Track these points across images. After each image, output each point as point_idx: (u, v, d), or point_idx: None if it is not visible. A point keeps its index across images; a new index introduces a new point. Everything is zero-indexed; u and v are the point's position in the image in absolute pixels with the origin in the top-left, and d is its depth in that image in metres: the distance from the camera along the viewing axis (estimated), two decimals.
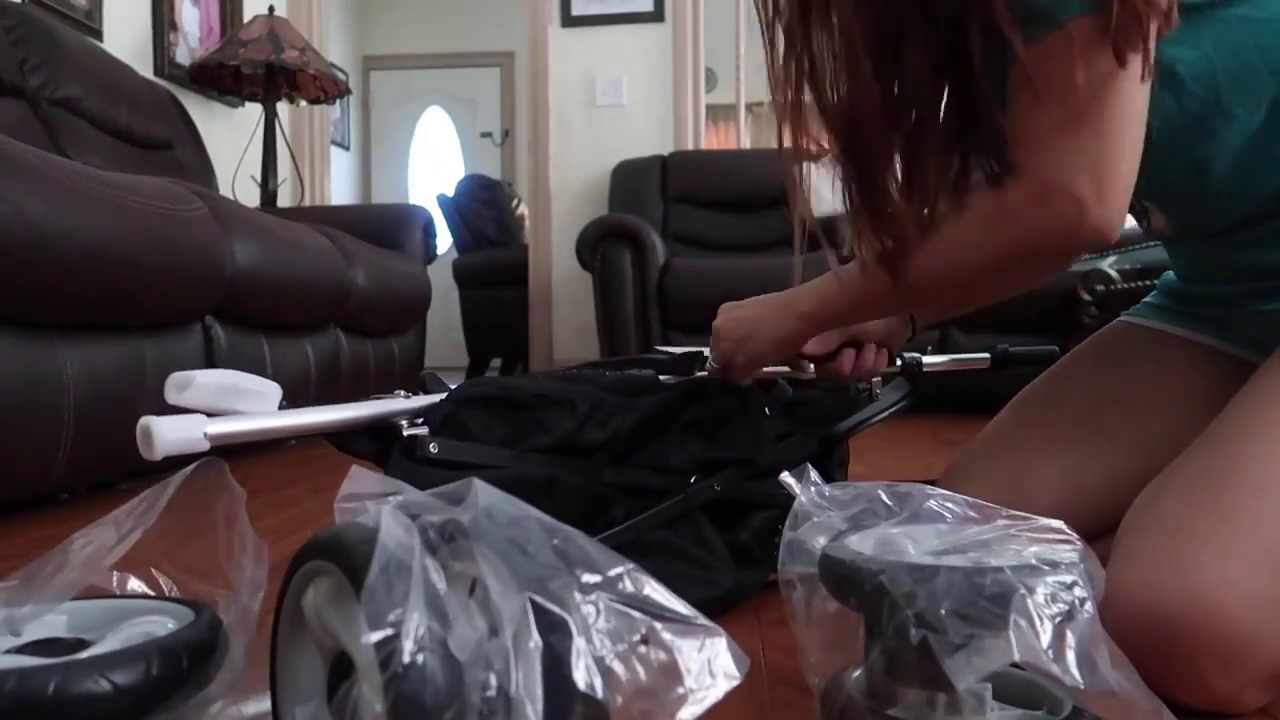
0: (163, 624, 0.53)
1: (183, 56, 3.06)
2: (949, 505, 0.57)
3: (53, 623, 0.53)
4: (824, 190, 0.79)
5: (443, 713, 0.33)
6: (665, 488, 0.88)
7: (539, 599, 0.36)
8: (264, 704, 0.48)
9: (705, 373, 0.96)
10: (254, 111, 3.26)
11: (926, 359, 1.10)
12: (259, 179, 3.11)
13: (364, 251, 2.42)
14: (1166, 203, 0.83)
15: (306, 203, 3.63)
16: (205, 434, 0.63)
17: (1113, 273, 2.48)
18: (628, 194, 3.50)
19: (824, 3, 0.72)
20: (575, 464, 0.85)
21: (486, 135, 6.11)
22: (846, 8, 0.71)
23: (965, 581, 0.47)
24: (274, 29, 3.02)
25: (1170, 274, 0.96)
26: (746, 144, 4.33)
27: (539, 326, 3.76)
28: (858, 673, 0.55)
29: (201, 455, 0.61)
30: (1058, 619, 0.46)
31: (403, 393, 0.83)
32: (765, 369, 1.01)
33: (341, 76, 3.23)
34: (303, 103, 3.34)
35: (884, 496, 0.58)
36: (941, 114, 0.74)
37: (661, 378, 0.95)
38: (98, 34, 2.68)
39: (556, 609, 0.36)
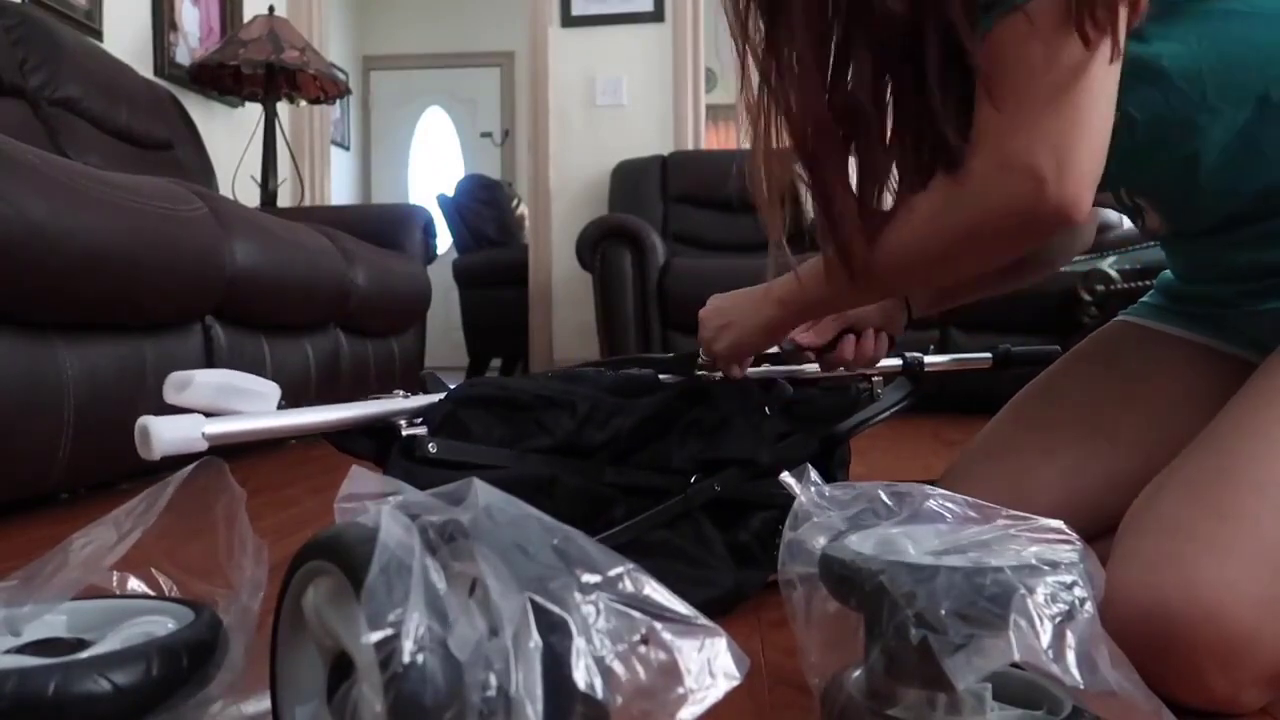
0: (163, 624, 0.53)
1: (183, 56, 3.06)
2: (949, 505, 0.57)
3: (53, 623, 0.53)
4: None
5: (443, 713, 0.33)
6: (665, 488, 0.88)
7: (539, 599, 0.36)
8: (264, 704, 0.48)
9: (702, 368, 0.97)
10: (254, 111, 3.26)
11: (928, 359, 1.10)
12: (259, 179, 3.11)
13: (364, 251, 2.42)
14: (1159, 200, 0.83)
15: (306, 203, 3.63)
16: (203, 434, 0.63)
17: (1112, 273, 2.48)
18: (628, 194, 3.50)
19: (786, 19, 0.74)
20: (575, 464, 0.85)
21: (486, 135, 6.11)
22: (797, 15, 0.73)
23: (965, 581, 0.47)
24: (274, 29, 3.02)
25: (1168, 274, 0.96)
26: (746, 144, 4.32)
27: (539, 326, 3.76)
28: (858, 673, 0.55)
29: (201, 455, 0.61)
30: (1058, 619, 0.46)
31: (401, 393, 0.83)
32: (769, 368, 1.02)
33: (341, 76, 3.23)
34: (303, 103, 3.34)
35: (884, 496, 0.58)
36: (890, 120, 0.76)
37: (661, 377, 0.95)
38: (98, 34, 2.68)
39: (556, 609, 0.36)
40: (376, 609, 0.34)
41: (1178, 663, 0.60)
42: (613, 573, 0.38)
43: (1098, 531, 0.73)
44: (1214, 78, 0.71)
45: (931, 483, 0.65)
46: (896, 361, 1.09)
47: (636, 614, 0.37)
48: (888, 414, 1.04)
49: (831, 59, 0.74)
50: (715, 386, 0.94)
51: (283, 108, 3.35)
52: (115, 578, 0.58)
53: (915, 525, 0.57)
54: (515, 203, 4.96)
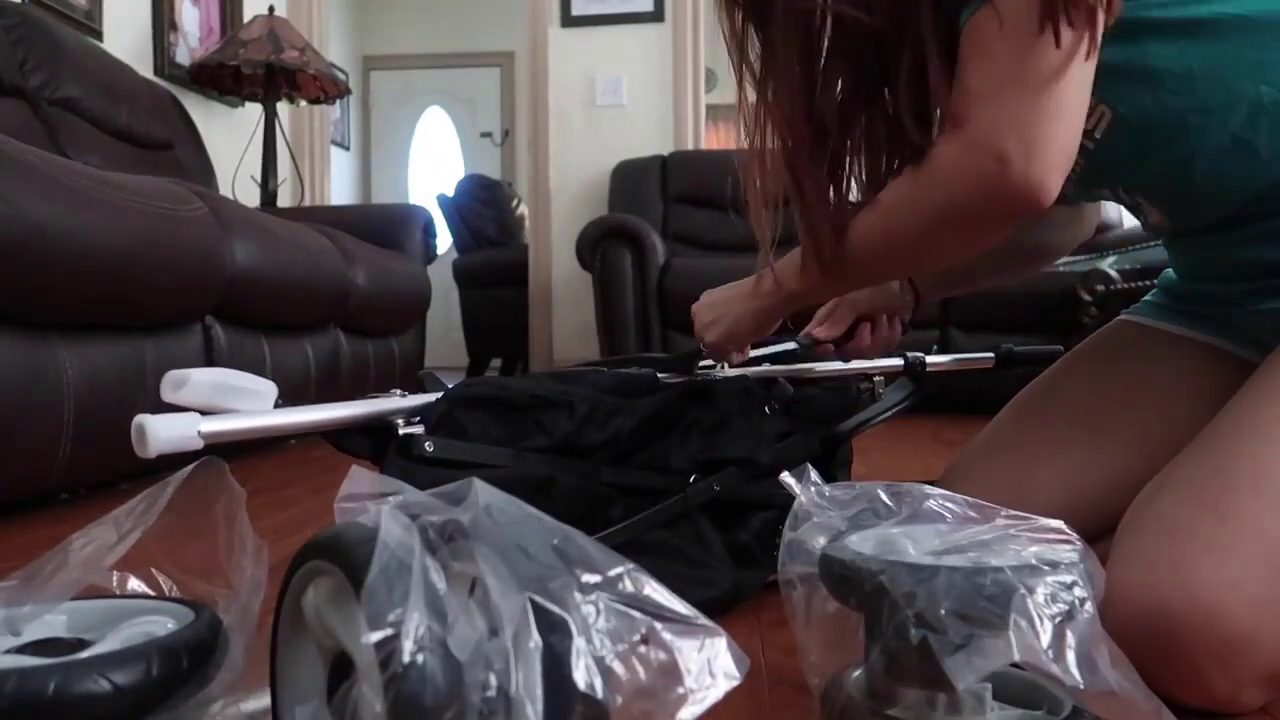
0: (163, 624, 0.53)
1: (183, 56, 3.06)
2: (949, 505, 0.57)
3: (53, 623, 0.53)
4: None
5: (443, 713, 0.33)
6: (665, 488, 0.88)
7: (539, 599, 0.36)
8: (264, 701, 0.48)
9: (702, 363, 0.99)
10: (254, 111, 3.26)
11: (930, 358, 1.10)
12: (259, 179, 3.11)
13: (364, 251, 2.42)
14: (1156, 198, 0.83)
15: (306, 203, 3.63)
16: (199, 432, 0.63)
17: (1113, 273, 2.48)
18: (628, 194, 3.50)
19: (773, 34, 0.78)
20: (573, 464, 0.85)
21: (486, 135, 6.11)
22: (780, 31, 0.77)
23: (965, 581, 0.47)
24: (274, 29, 3.02)
25: (1170, 273, 0.96)
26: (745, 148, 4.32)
27: (539, 326, 3.76)
28: (858, 673, 0.55)
29: (200, 455, 0.61)
30: (1058, 619, 0.46)
31: (399, 392, 0.83)
32: (770, 367, 1.02)
33: (341, 76, 3.22)
34: (303, 103, 3.34)
35: (884, 496, 0.58)
36: (863, 128, 0.81)
37: (661, 376, 0.95)
38: (98, 34, 2.68)
39: (556, 609, 0.36)
40: (376, 609, 0.34)
41: (1177, 663, 0.60)
42: (613, 573, 0.38)
43: (1098, 531, 0.73)
44: (1205, 79, 0.71)
45: (931, 483, 0.65)
46: (898, 361, 1.09)
47: (636, 614, 0.37)
48: (889, 414, 1.04)
49: (818, 70, 0.78)
50: (715, 386, 0.94)
51: (283, 108, 3.35)
52: (115, 578, 0.58)
53: (915, 525, 0.57)
54: (515, 203, 4.96)
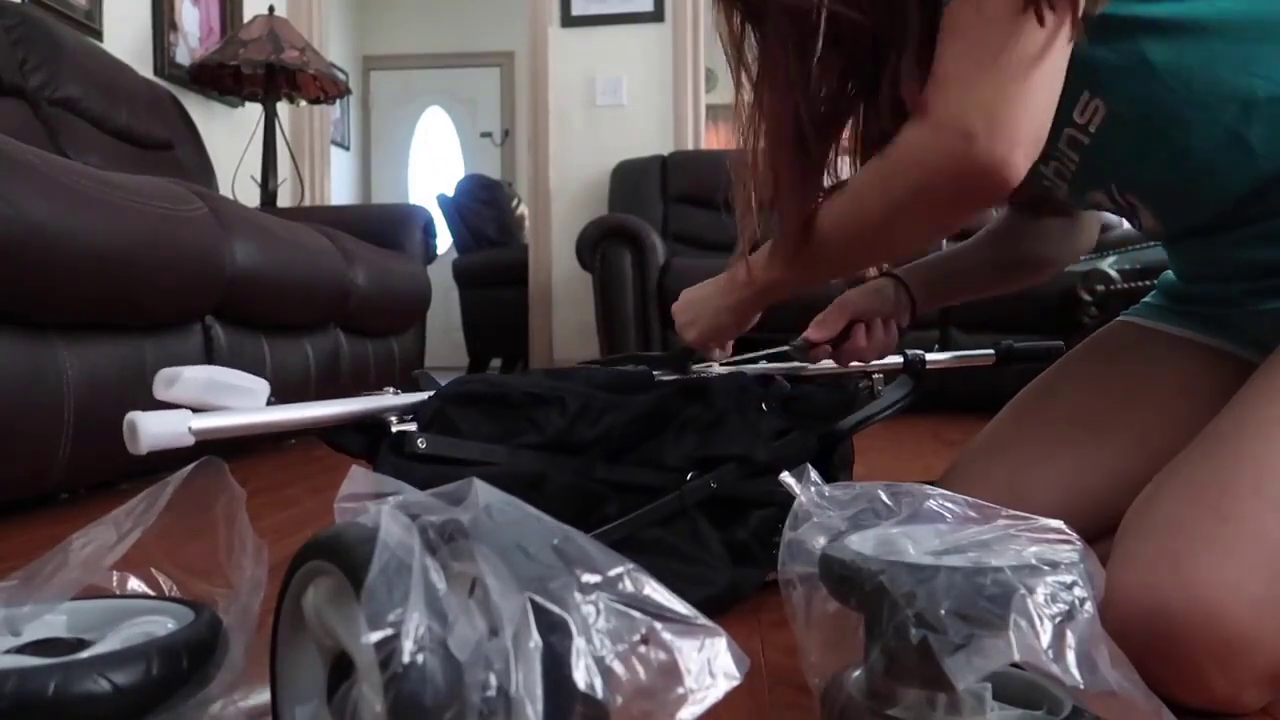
0: (163, 624, 0.53)
1: (183, 56, 3.06)
2: (949, 505, 0.57)
3: (53, 623, 0.53)
4: None
5: (443, 713, 0.33)
6: (660, 485, 0.88)
7: (539, 599, 0.36)
8: (263, 696, 0.48)
9: (694, 359, 1.00)
10: (254, 111, 3.26)
11: (931, 356, 1.10)
12: (259, 179, 3.11)
13: (364, 251, 2.41)
14: (1150, 197, 0.83)
15: (306, 203, 3.63)
16: (190, 428, 0.63)
17: (1113, 273, 2.48)
18: (628, 194, 3.50)
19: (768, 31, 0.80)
20: (568, 461, 0.85)
21: (486, 135, 6.11)
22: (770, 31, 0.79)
23: (965, 581, 0.47)
24: (274, 29, 3.02)
25: (1170, 274, 0.96)
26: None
27: (539, 326, 3.76)
28: (858, 673, 0.55)
29: (196, 454, 0.61)
30: (1058, 619, 0.46)
31: (392, 390, 0.83)
32: (768, 365, 1.02)
33: (341, 76, 3.22)
34: (303, 103, 3.34)
35: (884, 496, 0.58)
36: (858, 127, 0.83)
37: (655, 374, 0.95)
38: (98, 34, 2.68)
39: (556, 609, 0.36)
40: (376, 609, 0.34)
41: (1178, 663, 0.60)
42: (613, 573, 0.38)
43: (1098, 531, 0.73)
44: (1199, 73, 0.72)
45: (931, 483, 0.66)
46: (898, 359, 1.09)
47: (636, 614, 0.37)
48: (889, 412, 1.04)
49: (812, 68, 0.78)
50: (712, 384, 0.94)
51: (283, 108, 3.35)
52: (115, 578, 0.58)
53: (915, 525, 0.57)
54: (515, 203, 4.96)
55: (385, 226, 2.83)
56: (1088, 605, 0.48)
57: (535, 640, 0.35)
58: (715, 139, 5.86)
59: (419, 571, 0.36)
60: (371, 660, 0.33)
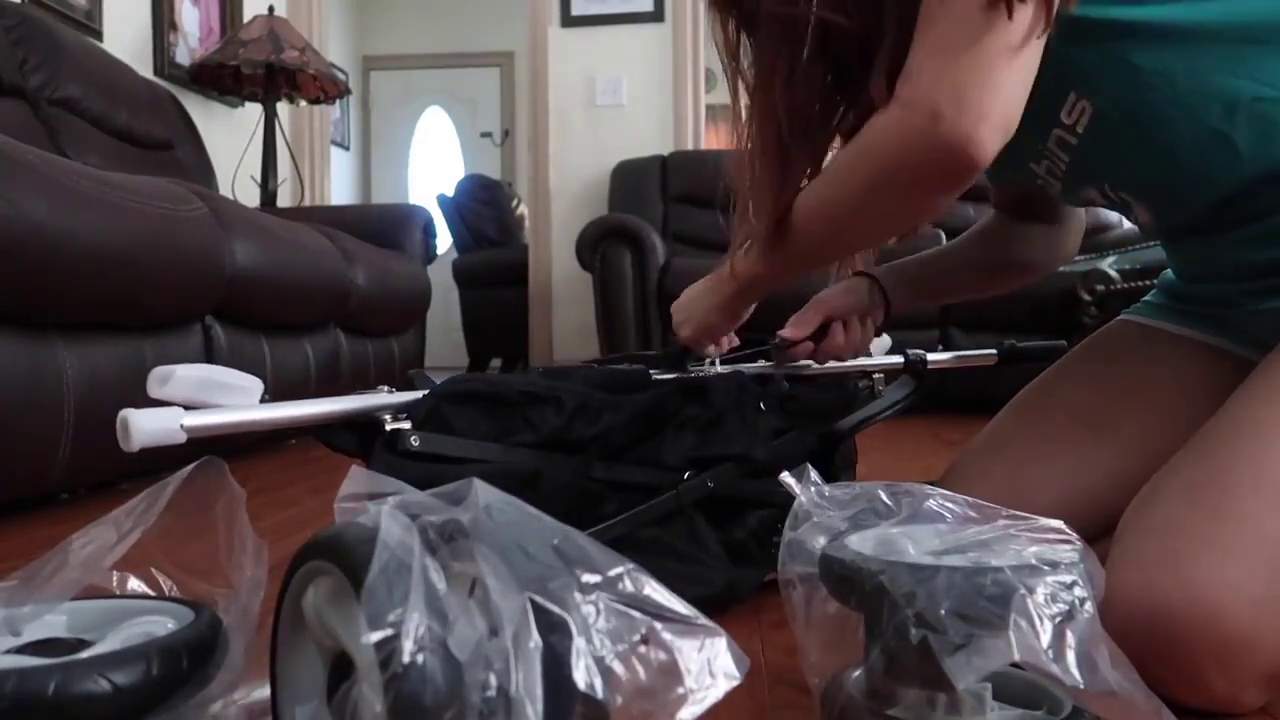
0: (163, 624, 0.53)
1: (183, 56, 3.06)
2: (949, 505, 0.57)
3: (53, 623, 0.53)
4: None
5: (443, 713, 0.33)
6: (658, 484, 0.87)
7: (539, 599, 0.36)
8: (263, 691, 0.48)
9: (690, 358, 1.01)
10: (254, 111, 3.26)
11: (932, 355, 1.10)
12: (259, 179, 3.11)
13: (364, 251, 2.42)
14: (1140, 194, 0.83)
15: (306, 203, 3.63)
16: (182, 425, 0.63)
17: (1113, 273, 2.48)
18: (628, 194, 3.50)
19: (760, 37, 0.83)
20: (563, 460, 0.84)
21: (486, 135, 6.11)
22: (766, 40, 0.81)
23: (965, 581, 0.47)
24: (274, 29, 3.02)
25: (1169, 273, 0.96)
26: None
27: (539, 326, 3.76)
28: (858, 673, 0.55)
29: (196, 454, 0.61)
30: (1058, 619, 0.46)
31: (386, 388, 0.83)
32: (765, 364, 1.03)
33: (341, 76, 3.22)
34: (303, 103, 3.34)
35: (884, 496, 0.58)
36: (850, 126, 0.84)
37: (653, 373, 0.95)
38: (98, 34, 2.68)
39: (556, 609, 0.36)
40: (376, 609, 0.34)
41: (1178, 663, 0.60)
42: (613, 573, 0.38)
43: (1098, 531, 0.73)
44: (1183, 74, 0.72)
45: (931, 483, 0.65)
46: (898, 359, 1.09)
47: (636, 614, 0.37)
48: (890, 412, 1.04)
49: (801, 68, 0.80)
50: (710, 383, 0.94)
51: (283, 108, 3.35)
52: (115, 578, 0.58)
53: (915, 525, 0.57)
54: (515, 203, 4.96)
55: (385, 226, 2.83)
56: (1088, 605, 0.48)
57: (535, 640, 0.35)
58: (715, 139, 5.85)
59: (419, 571, 0.36)
60: (371, 660, 0.33)
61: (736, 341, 1.04)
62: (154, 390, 0.64)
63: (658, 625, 0.37)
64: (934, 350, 1.12)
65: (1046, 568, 0.48)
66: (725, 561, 0.88)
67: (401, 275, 2.65)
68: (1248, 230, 0.77)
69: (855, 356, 1.06)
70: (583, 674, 0.36)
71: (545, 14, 3.67)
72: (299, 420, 0.74)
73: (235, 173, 3.12)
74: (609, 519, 0.84)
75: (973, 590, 0.47)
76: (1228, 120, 0.72)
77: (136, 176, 1.58)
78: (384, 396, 0.81)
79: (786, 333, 1.02)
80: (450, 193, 4.73)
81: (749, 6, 0.82)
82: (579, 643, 0.36)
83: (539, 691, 0.34)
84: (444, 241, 3.59)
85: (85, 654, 0.48)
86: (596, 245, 3.01)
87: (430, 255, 2.98)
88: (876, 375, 1.08)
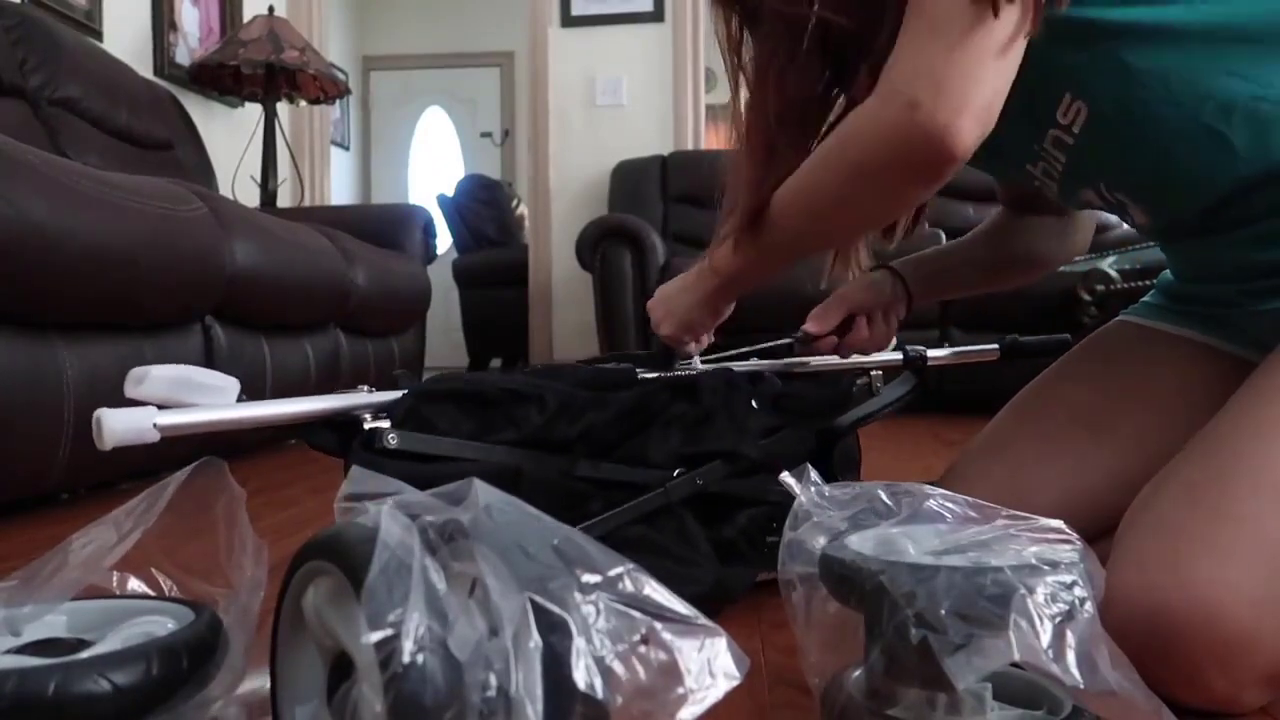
0: (163, 624, 0.53)
1: (183, 56, 3.06)
2: (949, 505, 0.57)
3: (53, 623, 0.53)
4: None
5: (443, 713, 0.33)
6: (645, 482, 0.86)
7: (539, 599, 0.36)
8: (263, 695, 0.48)
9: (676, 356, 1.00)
10: (254, 111, 3.26)
11: (932, 351, 1.10)
12: (259, 179, 3.11)
13: (364, 251, 2.42)
14: (1137, 194, 0.83)
15: (306, 203, 3.63)
16: (155, 424, 0.63)
17: (1112, 273, 2.48)
18: (628, 194, 3.50)
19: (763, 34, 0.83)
20: (547, 458, 0.84)
21: (486, 135, 6.11)
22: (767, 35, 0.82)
23: (965, 581, 0.47)
24: (274, 29, 3.02)
25: (1168, 274, 0.96)
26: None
27: (539, 326, 3.76)
28: (858, 673, 0.55)
29: (196, 454, 0.61)
30: (1058, 619, 0.46)
31: (366, 388, 0.83)
32: (759, 362, 1.02)
33: (341, 76, 3.22)
34: (303, 103, 3.34)
35: (884, 496, 0.58)
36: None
37: (639, 372, 0.95)
38: (98, 34, 2.68)
39: (556, 609, 0.36)
40: (376, 609, 0.34)
41: (1178, 663, 0.60)
42: (613, 573, 0.38)
43: (1098, 531, 0.73)
44: (1176, 74, 0.72)
45: (931, 483, 0.65)
46: (897, 355, 1.08)
47: (636, 614, 0.37)
48: (889, 409, 1.03)
49: (800, 64, 0.80)
50: (699, 381, 0.93)
51: (283, 108, 3.35)
52: (115, 578, 0.58)
53: (915, 525, 0.57)
54: (515, 203, 4.96)
55: (385, 226, 2.83)
56: (1088, 605, 0.48)
57: (535, 640, 0.35)
58: (715, 139, 5.84)
59: (419, 571, 0.36)
60: (371, 660, 0.33)
61: (713, 339, 1.03)
62: (130, 390, 0.64)
63: (658, 625, 0.37)
64: (942, 347, 1.12)
65: (1046, 568, 0.48)
66: (714, 560, 0.86)
67: (401, 275, 2.65)
68: (1246, 231, 0.77)
69: (879, 351, 1.05)
70: (583, 674, 0.36)
71: (545, 14, 3.67)
72: (273, 419, 0.74)
73: (235, 173, 3.12)
74: (594, 517, 0.83)
75: (973, 590, 0.47)
76: (1223, 120, 0.72)
77: (136, 176, 1.58)
78: (362, 396, 0.81)
79: (809, 327, 1.01)
80: (450, 193, 4.73)
81: (752, 3, 0.82)
82: (579, 643, 0.36)
83: (539, 691, 0.34)
84: (444, 241, 3.59)
85: (85, 654, 0.48)
86: (596, 245, 3.01)
87: (430, 255, 2.98)
88: (875, 372, 1.07)
